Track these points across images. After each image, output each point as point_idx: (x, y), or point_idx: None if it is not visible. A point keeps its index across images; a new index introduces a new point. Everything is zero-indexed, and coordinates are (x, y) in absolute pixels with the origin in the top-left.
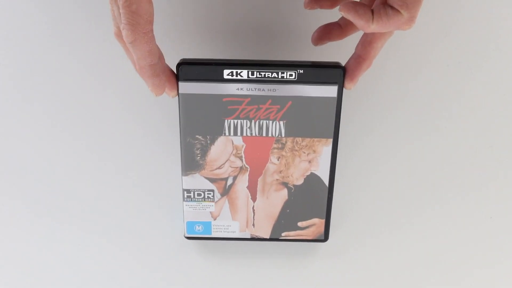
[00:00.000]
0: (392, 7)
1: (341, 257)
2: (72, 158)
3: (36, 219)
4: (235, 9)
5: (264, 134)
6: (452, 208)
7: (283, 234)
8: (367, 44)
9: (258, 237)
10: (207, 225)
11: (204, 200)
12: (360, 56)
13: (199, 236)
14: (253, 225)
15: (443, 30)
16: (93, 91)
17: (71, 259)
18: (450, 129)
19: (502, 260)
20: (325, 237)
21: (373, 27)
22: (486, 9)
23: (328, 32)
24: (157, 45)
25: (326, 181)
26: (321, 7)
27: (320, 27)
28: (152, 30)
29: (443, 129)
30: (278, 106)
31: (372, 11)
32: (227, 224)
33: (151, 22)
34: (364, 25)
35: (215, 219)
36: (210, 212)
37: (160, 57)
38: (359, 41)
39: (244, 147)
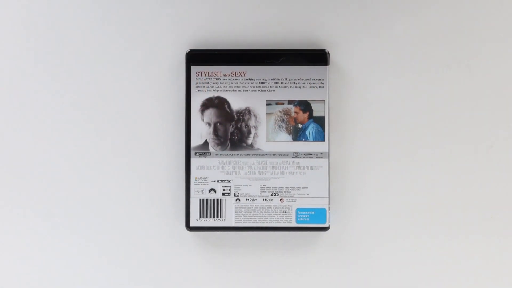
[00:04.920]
0: None
1: (343, 247)
2: (72, 152)
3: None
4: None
5: None
6: (452, 207)
7: None
8: None
9: None
10: None
11: None
12: None
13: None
14: None
15: (443, 30)
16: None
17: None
18: (450, 129)
19: (502, 260)
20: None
21: None
22: (486, 9)
23: None
24: None
25: None
26: None
27: None
28: None
29: (443, 128)
30: None
31: None
32: None
33: None
34: None
35: None
36: None
37: None
38: None
39: None
